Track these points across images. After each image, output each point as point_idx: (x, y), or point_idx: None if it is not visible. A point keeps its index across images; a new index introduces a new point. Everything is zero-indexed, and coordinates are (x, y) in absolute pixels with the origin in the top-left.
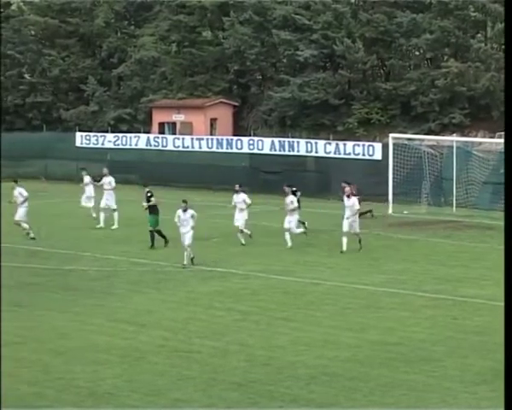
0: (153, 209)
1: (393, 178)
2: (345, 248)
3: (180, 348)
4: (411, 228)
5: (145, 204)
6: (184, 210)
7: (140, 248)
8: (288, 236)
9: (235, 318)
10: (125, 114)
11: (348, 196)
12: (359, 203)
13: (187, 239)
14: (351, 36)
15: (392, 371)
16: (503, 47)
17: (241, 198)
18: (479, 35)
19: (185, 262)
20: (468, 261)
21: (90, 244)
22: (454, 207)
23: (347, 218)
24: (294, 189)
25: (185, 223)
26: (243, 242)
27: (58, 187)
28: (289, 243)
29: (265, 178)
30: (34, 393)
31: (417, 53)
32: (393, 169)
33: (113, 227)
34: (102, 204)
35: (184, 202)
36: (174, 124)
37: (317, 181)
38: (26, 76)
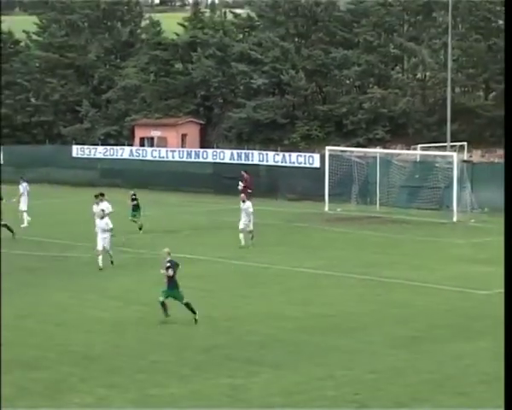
0: None
1: (329, 182)
2: (243, 243)
3: (156, 320)
4: (344, 223)
5: None
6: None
7: (123, 239)
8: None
9: (201, 295)
10: (113, 130)
11: (243, 201)
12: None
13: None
14: (295, 68)
15: (329, 337)
16: (418, 76)
17: (104, 206)
18: (397, 67)
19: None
20: (390, 249)
21: (84, 236)
22: (378, 206)
23: (243, 218)
24: (134, 196)
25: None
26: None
27: (57, 189)
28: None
29: (226, 182)
30: (38, 356)
31: (348, 81)
32: (329, 175)
33: (23, 226)
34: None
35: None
36: (152, 138)
37: (268, 185)
38: (32, 100)
